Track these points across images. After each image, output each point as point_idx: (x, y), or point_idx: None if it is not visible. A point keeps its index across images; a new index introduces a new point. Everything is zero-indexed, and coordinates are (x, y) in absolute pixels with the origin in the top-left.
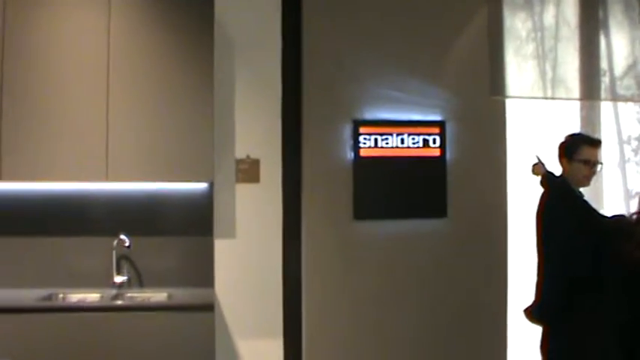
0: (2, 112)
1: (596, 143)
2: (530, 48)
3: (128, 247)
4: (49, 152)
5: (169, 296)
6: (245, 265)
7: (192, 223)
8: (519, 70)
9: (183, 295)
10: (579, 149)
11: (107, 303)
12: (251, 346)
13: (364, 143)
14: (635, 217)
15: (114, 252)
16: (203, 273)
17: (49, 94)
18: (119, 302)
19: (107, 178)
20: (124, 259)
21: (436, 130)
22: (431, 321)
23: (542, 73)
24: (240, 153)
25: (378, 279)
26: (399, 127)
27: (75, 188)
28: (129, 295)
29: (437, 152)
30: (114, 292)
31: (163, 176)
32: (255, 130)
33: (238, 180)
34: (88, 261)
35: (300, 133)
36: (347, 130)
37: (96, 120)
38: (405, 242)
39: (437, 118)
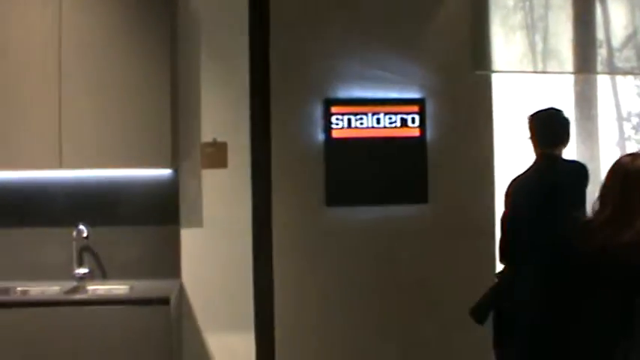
0: None
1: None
2: (518, 17)
3: (86, 237)
4: (1, 141)
5: (131, 288)
6: (213, 255)
7: (156, 212)
8: (506, 41)
9: (145, 287)
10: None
11: (54, 297)
12: (221, 341)
13: (336, 124)
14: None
15: (74, 243)
16: (169, 264)
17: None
18: (71, 296)
19: (61, 165)
20: (86, 251)
21: (415, 108)
22: (408, 313)
23: (532, 45)
24: (206, 136)
25: (352, 269)
26: (375, 105)
27: (31, 177)
28: (89, 287)
29: (416, 132)
30: (74, 284)
31: (120, 162)
32: (222, 112)
33: (204, 165)
34: (48, 253)
35: (269, 115)
36: (318, 110)
37: (48, 105)
38: (382, 230)
39: (416, 95)
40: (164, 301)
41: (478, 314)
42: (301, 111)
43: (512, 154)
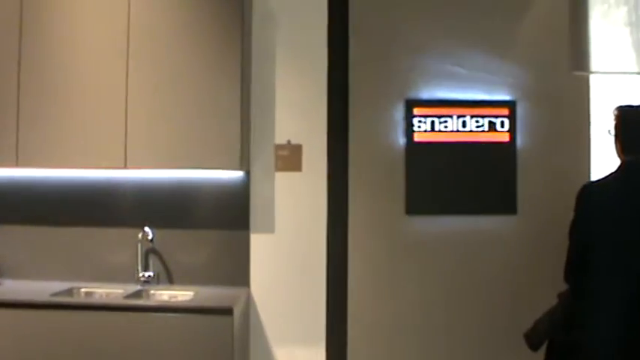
0: (19, 99)
1: None
2: (621, 13)
3: (151, 240)
4: (66, 139)
5: (195, 295)
6: (284, 262)
7: (226, 216)
8: (607, 39)
9: (210, 294)
10: None
11: (113, 302)
12: (290, 355)
13: (419, 127)
14: None
15: (139, 245)
16: (237, 271)
17: (67, 79)
18: (131, 301)
19: (126, 164)
20: (152, 253)
21: (505, 111)
22: (490, 332)
23: (637, 44)
24: (280, 138)
25: (432, 283)
26: (460, 107)
27: (99, 176)
28: (153, 292)
29: (505, 137)
30: (138, 288)
31: (185, 163)
32: (298, 113)
33: (278, 168)
34: (113, 254)
35: (348, 116)
36: (399, 112)
37: (114, 105)
38: (466, 242)
39: (506, 97)
40: (227, 311)
41: (533, 339)
42: (381, 113)
43: (610, 163)
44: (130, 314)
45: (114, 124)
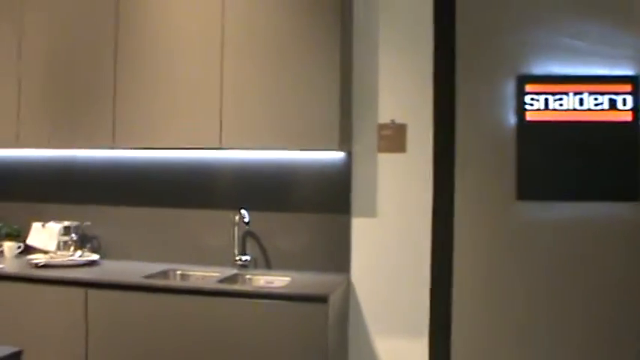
0: (116, 79)
1: None
2: None
3: (247, 223)
4: (161, 119)
5: (292, 281)
6: (386, 248)
7: (326, 199)
8: None
9: (308, 281)
10: None
11: (206, 286)
12: (390, 345)
13: (531, 105)
14: None
15: (236, 228)
16: (337, 256)
17: (162, 59)
18: (224, 286)
19: (221, 144)
20: (249, 236)
21: (627, 87)
22: (602, 326)
23: None
24: (383, 117)
25: (542, 273)
26: (578, 84)
27: (196, 157)
28: (248, 276)
29: (628, 117)
30: (234, 272)
31: (282, 144)
32: (402, 90)
33: (380, 149)
34: (211, 236)
35: (454, 94)
36: (510, 89)
37: (209, 85)
38: (581, 231)
39: (628, 72)
40: (322, 299)
41: None
42: (491, 90)
43: None
44: (221, 299)
45: (209, 104)
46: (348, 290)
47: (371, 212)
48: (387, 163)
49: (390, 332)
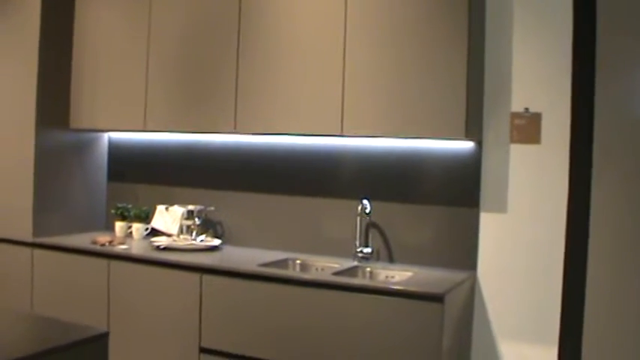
0: (238, 67)
1: None
2: None
3: (368, 213)
4: (282, 105)
5: (413, 276)
6: (516, 246)
7: (453, 191)
8: None
9: (430, 277)
10: None
11: (321, 278)
12: (516, 352)
13: None
14: None
15: (358, 218)
16: (464, 252)
17: (284, 45)
18: (338, 279)
19: (342, 131)
20: (373, 228)
21: None
22: None
23: None
24: (517, 105)
25: None
26: None
27: (319, 144)
28: (368, 269)
29: None
30: (355, 264)
31: (404, 131)
32: (538, 77)
33: (513, 139)
34: (332, 225)
35: (594, 81)
36: None
37: (331, 70)
38: None
39: None
40: (438, 298)
41: None
42: (636, 78)
43: None
44: (333, 292)
45: (331, 91)
46: (473, 289)
47: (501, 207)
48: (520, 154)
49: (516, 336)
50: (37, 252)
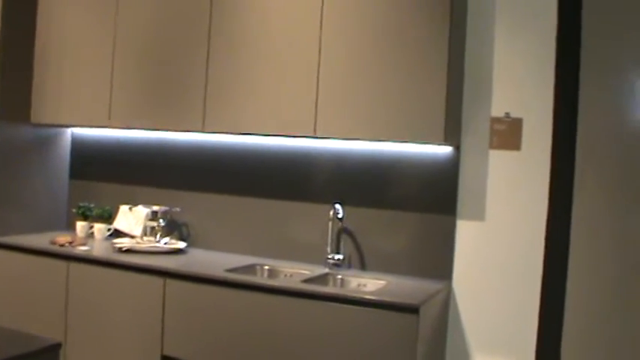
0: (208, 59)
1: None
2: None
3: (340, 219)
4: (253, 104)
5: (386, 285)
6: (494, 256)
7: (429, 197)
8: None
9: (403, 286)
10: None
11: (289, 286)
12: None
13: None
14: None
15: (330, 224)
16: (439, 261)
17: (256, 43)
18: (306, 287)
19: (315, 133)
20: (344, 234)
21: None
22: None
23: None
24: (497, 110)
25: None
26: None
27: (289, 146)
28: (339, 277)
29: None
30: (325, 270)
31: (379, 134)
32: (519, 80)
33: (492, 145)
34: (302, 230)
35: (578, 85)
36: None
37: (306, 69)
38: None
39: None
40: (412, 309)
41: None
42: (622, 81)
43: None
44: (303, 301)
45: (304, 90)
46: (448, 299)
47: (479, 215)
48: (499, 161)
49: (492, 348)
50: None
